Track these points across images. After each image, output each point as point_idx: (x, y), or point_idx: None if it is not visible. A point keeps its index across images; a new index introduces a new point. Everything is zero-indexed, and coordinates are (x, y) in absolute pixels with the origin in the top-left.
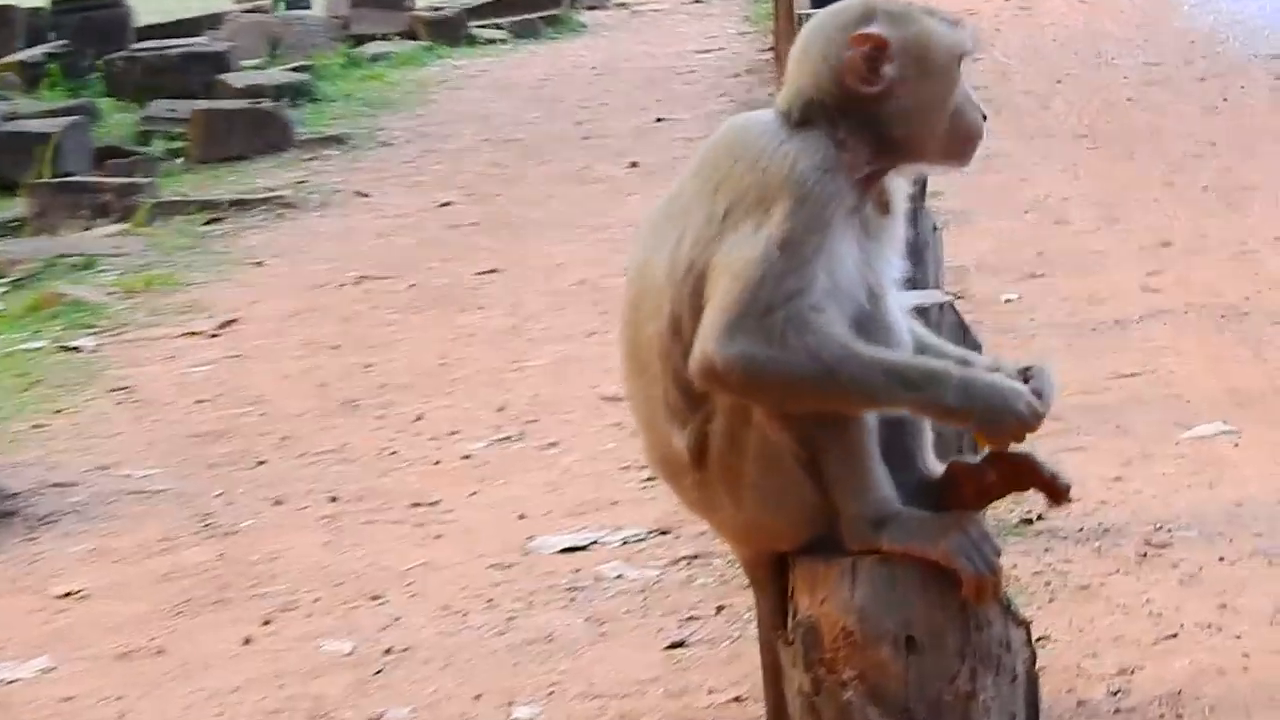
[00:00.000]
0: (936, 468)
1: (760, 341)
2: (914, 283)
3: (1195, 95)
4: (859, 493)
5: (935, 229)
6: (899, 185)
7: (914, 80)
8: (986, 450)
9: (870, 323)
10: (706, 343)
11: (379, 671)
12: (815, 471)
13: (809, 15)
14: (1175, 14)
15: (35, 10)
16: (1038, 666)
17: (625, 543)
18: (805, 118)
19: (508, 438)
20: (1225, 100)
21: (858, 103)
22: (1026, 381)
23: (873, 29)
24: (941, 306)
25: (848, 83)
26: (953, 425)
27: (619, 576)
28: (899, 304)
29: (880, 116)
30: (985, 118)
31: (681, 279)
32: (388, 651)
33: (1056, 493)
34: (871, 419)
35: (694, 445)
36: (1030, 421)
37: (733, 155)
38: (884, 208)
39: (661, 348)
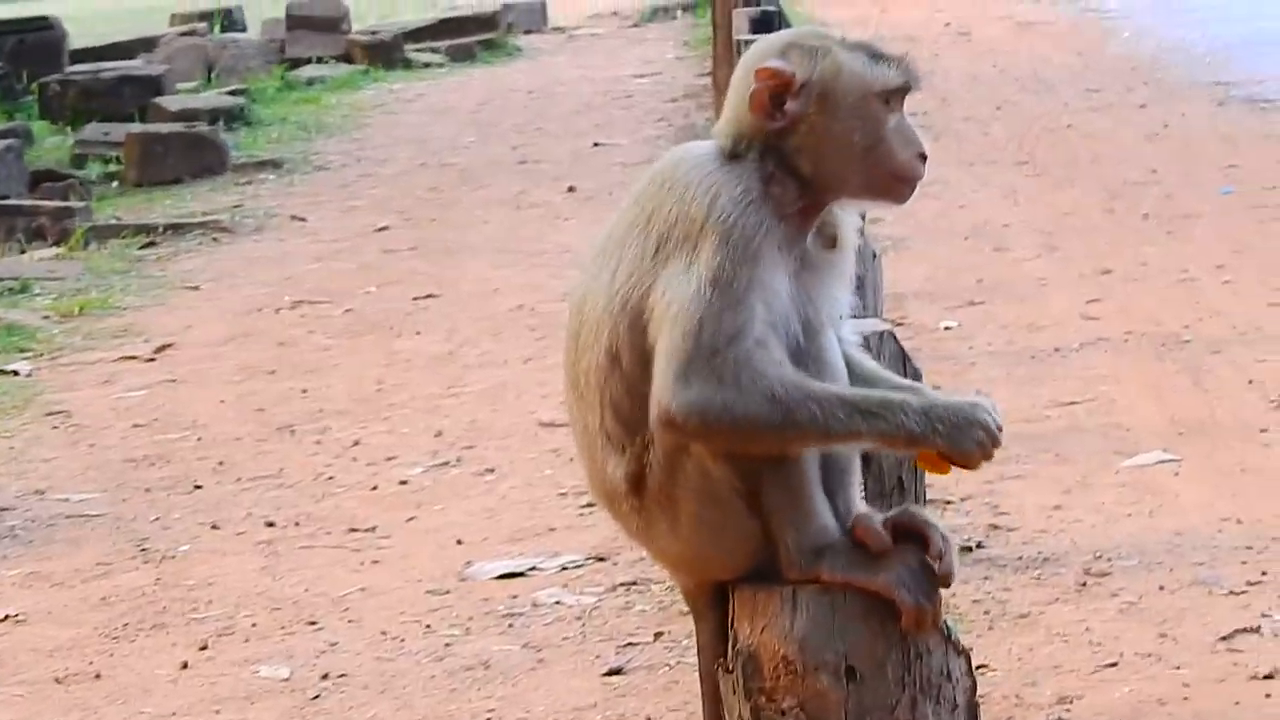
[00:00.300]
0: (859, 508)
1: (714, 386)
2: (854, 311)
3: (1136, 122)
4: (798, 522)
5: (875, 256)
6: (846, 219)
7: (817, 116)
8: (891, 511)
9: (805, 357)
10: (660, 395)
11: (316, 697)
12: (754, 501)
13: (748, 41)
14: (1116, 41)
15: None
16: (978, 695)
17: (563, 569)
18: (736, 150)
19: (445, 463)
20: (1166, 127)
21: (772, 136)
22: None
23: (776, 63)
24: (882, 335)
25: (754, 116)
26: (918, 451)
27: (557, 603)
28: (838, 340)
29: (789, 151)
30: (925, 157)
31: (618, 312)
32: (325, 677)
33: (939, 575)
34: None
35: (632, 474)
36: (995, 436)
37: (664, 188)
38: (829, 241)
39: (599, 378)
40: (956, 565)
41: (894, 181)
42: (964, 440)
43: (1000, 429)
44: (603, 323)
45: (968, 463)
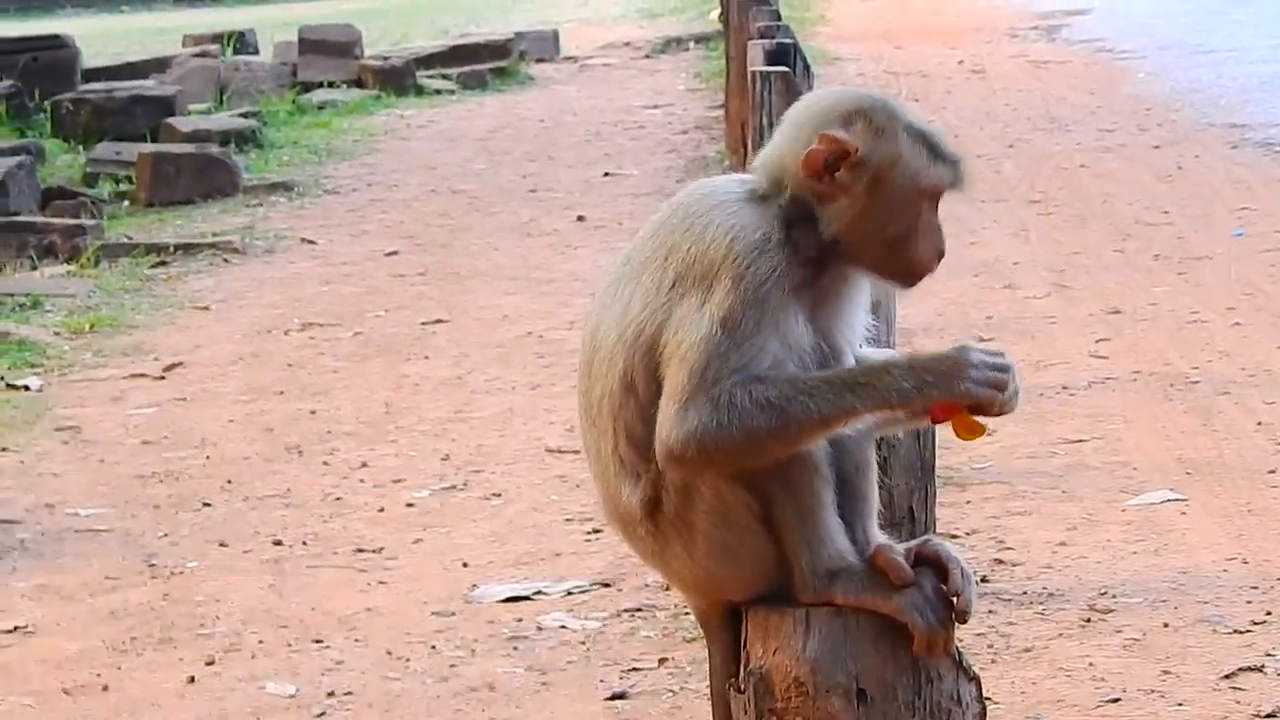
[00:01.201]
0: (878, 537)
1: (709, 411)
2: (871, 336)
3: (1149, 163)
4: (813, 545)
5: None
6: None
7: (864, 195)
8: (913, 541)
9: None
10: (662, 431)
11: (321, 715)
12: (769, 523)
13: (762, 73)
14: (1130, 81)
15: None
16: None
17: (568, 593)
18: (769, 187)
19: (452, 487)
20: (1179, 168)
21: (811, 193)
22: None
23: (844, 134)
24: None
25: (803, 171)
26: (924, 410)
27: (562, 627)
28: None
29: (824, 213)
30: (942, 254)
31: (631, 342)
32: (330, 695)
33: (956, 611)
34: (825, 470)
35: (647, 499)
36: (996, 370)
37: (685, 223)
38: (845, 277)
39: (613, 405)
40: (975, 602)
41: (907, 272)
42: (962, 383)
43: (1003, 362)
44: (616, 351)
45: (985, 407)
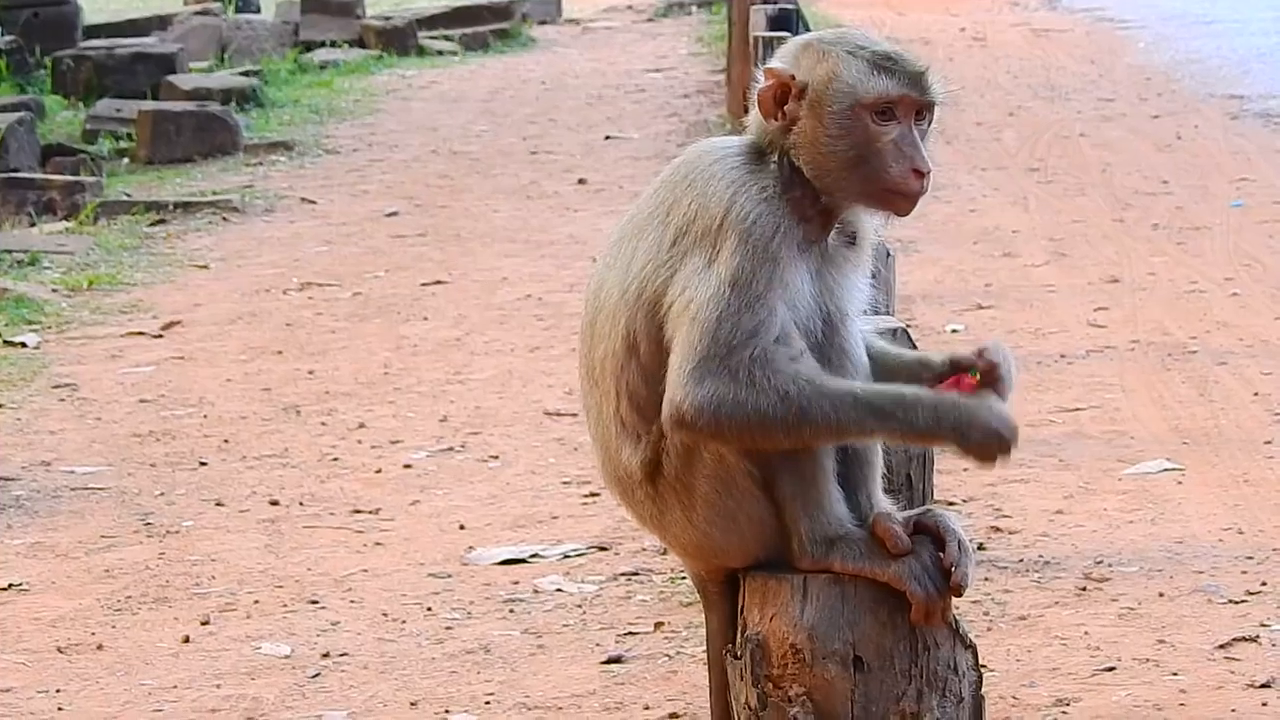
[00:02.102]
0: (881, 504)
1: (727, 382)
2: (872, 306)
3: (1149, 132)
4: (812, 512)
5: (889, 255)
6: (866, 216)
7: (811, 120)
8: (913, 511)
9: (828, 348)
10: (674, 392)
11: (316, 675)
12: (770, 489)
13: (765, 38)
14: (1130, 51)
15: None
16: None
17: (565, 557)
18: (761, 147)
19: (449, 449)
20: (1179, 138)
21: (780, 136)
22: (980, 355)
23: (779, 64)
24: (895, 333)
25: (760, 114)
26: (932, 446)
27: (558, 590)
28: (859, 329)
29: (793, 150)
30: (925, 172)
31: (634, 301)
32: (325, 655)
33: (952, 583)
34: None
35: (648, 461)
36: (1006, 437)
37: (685, 180)
38: (849, 237)
39: (615, 366)
40: (972, 575)
41: (887, 194)
42: (974, 439)
43: (1015, 430)
44: (619, 311)
45: (980, 461)
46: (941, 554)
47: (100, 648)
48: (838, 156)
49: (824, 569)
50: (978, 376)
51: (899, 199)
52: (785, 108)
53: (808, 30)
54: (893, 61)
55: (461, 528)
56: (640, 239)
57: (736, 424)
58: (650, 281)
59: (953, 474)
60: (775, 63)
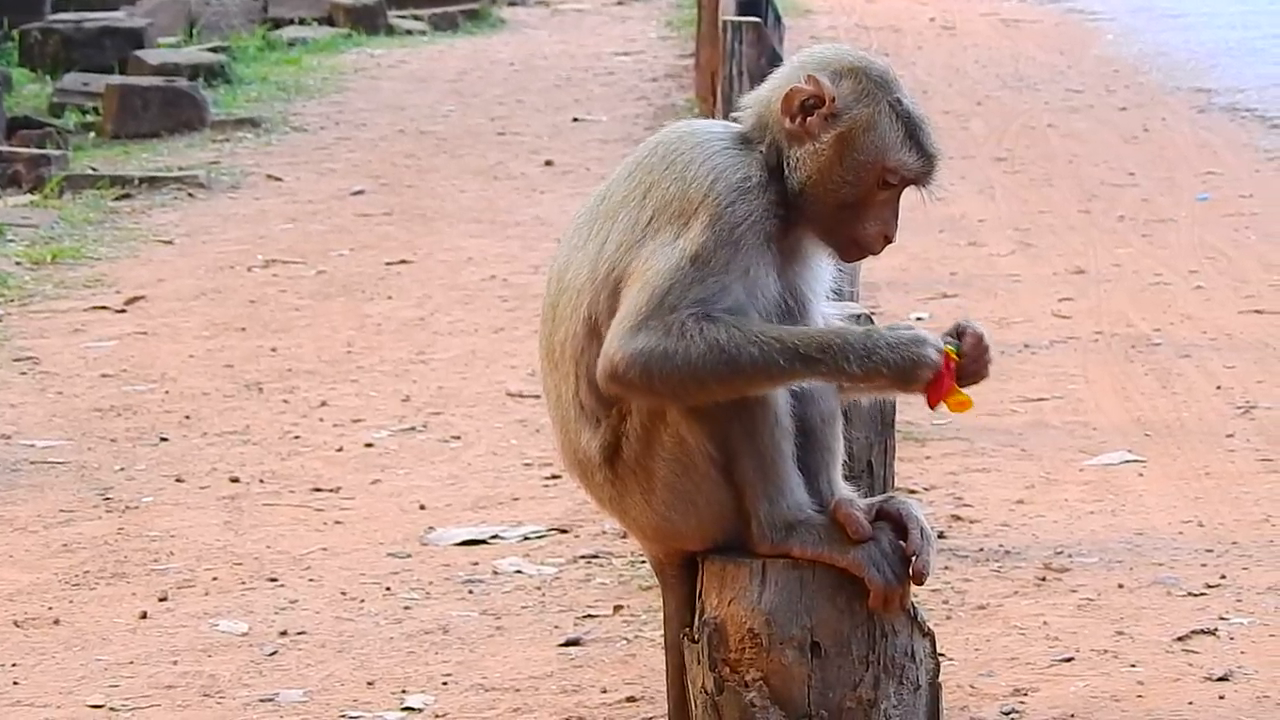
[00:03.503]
0: (842, 490)
1: (660, 336)
2: (836, 291)
3: (1116, 124)
4: (771, 496)
5: None
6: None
7: (829, 148)
8: (877, 497)
9: None
10: (609, 346)
11: (274, 653)
12: (729, 473)
13: (733, 23)
14: (1099, 43)
15: None
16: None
17: (525, 539)
18: (754, 130)
19: (411, 428)
20: (1146, 130)
21: (784, 136)
22: (960, 336)
23: (827, 82)
24: (859, 319)
25: (779, 106)
26: (875, 388)
27: (517, 572)
28: (821, 314)
29: (792, 158)
30: (889, 240)
31: (600, 281)
32: (283, 634)
33: (913, 572)
34: (786, 422)
35: (607, 444)
36: (933, 356)
37: (664, 161)
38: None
39: (575, 349)
40: (933, 564)
41: (851, 242)
42: (912, 378)
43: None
44: (584, 291)
45: (906, 384)
46: (904, 542)
47: (57, 622)
48: (835, 192)
49: (783, 553)
50: (958, 354)
51: (855, 251)
52: (809, 119)
53: (777, 17)
54: (925, 137)
55: (422, 508)
56: (614, 219)
57: (667, 375)
58: (619, 262)
59: (914, 462)
60: (821, 74)
